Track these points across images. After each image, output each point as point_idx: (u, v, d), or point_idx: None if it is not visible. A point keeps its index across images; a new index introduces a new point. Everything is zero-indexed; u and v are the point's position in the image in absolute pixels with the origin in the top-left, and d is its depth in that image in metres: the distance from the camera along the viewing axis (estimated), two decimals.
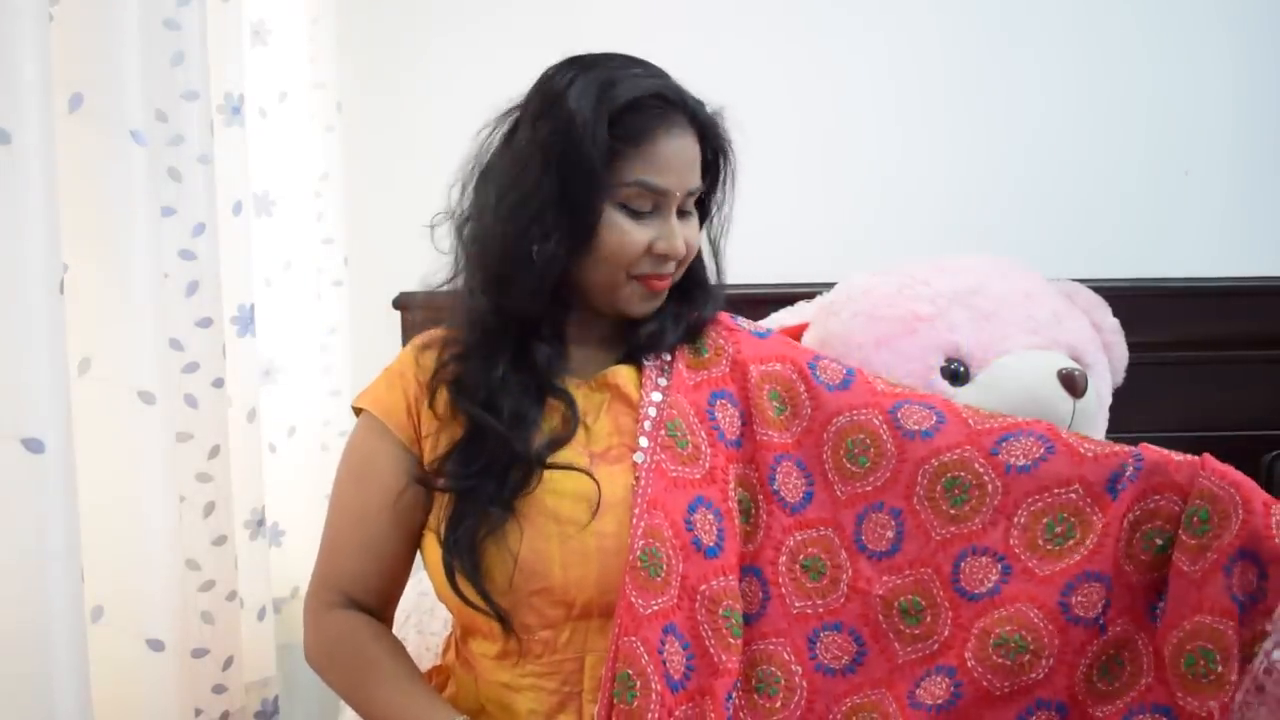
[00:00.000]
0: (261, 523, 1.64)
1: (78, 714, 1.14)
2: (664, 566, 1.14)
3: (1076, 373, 1.52)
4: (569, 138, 1.16)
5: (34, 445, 1.09)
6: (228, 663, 1.50)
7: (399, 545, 1.24)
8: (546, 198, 1.17)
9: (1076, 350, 1.60)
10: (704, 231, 1.29)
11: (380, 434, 1.24)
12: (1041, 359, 1.55)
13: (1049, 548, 1.15)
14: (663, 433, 1.21)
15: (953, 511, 1.19)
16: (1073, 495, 1.16)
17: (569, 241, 1.18)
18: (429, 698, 1.18)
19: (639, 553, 1.14)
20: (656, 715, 1.09)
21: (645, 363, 1.27)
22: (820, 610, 1.20)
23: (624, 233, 1.19)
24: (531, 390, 1.20)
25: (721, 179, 1.28)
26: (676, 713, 1.10)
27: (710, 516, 1.18)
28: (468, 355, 1.21)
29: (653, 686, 1.10)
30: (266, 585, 1.68)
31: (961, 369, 1.56)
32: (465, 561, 1.15)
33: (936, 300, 1.59)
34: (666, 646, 1.12)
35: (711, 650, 1.14)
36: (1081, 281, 1.75)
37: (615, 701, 1.10)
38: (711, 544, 1.17)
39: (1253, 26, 2.19)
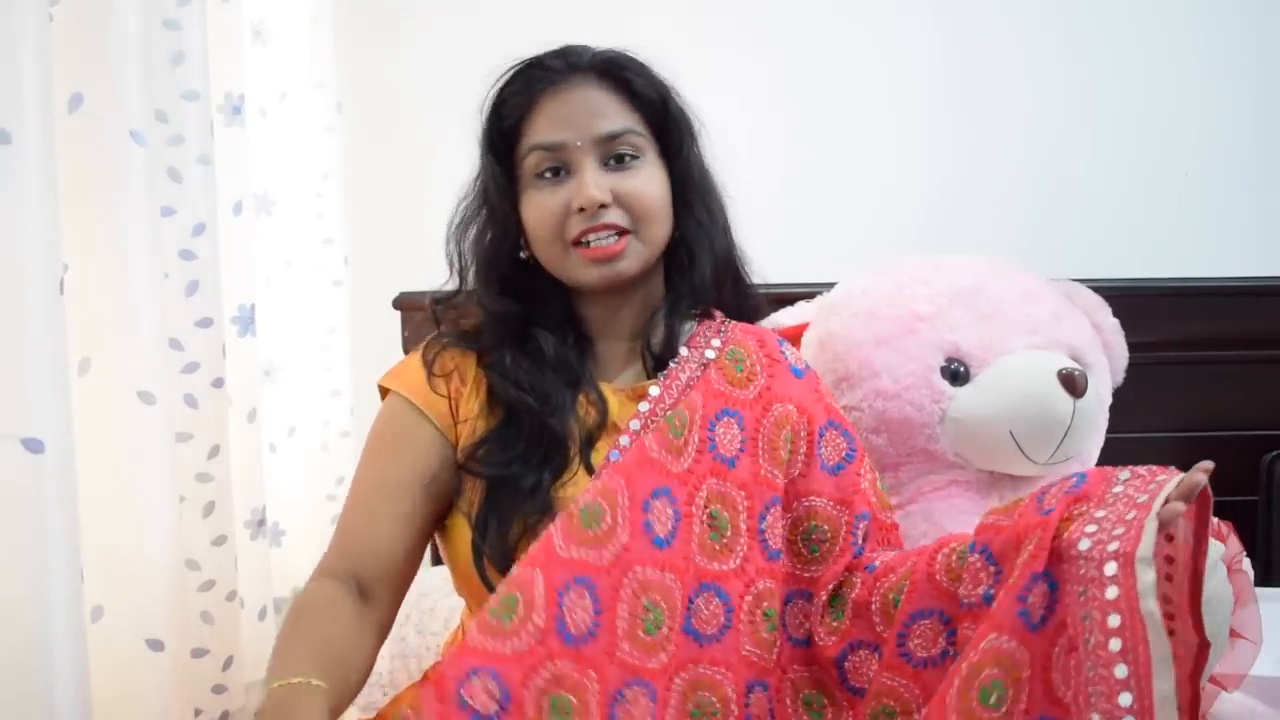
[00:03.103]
0: (261, 523, 1.64)
1: (78, 714, 1.14)
2: (602, 524, 1.12)
3: (1076, 373, 1.52)
4: (481, 141, 1.25)
5: (34, 445, 1.09)
6: (227, 663, 1.50)
7: (419, 520, 1.21)
8: (479, 201, 1.26)
9: (1076, 350, 1.60)
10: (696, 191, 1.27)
11: (415, 414, 1.24)
12: (1041, 359, 1.55)
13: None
14: (660, 419, 1.20)
15: (834, 624, 1.20)
16: (909, 564, 1.18)
17: (502, 233, 1.24)
18: (285, 660, 1.07)
19: (582, 505, 1.11)
20: (526, 646, 1.03)
21: (671, 365, 1.25)
22: (761, 663, 1.17)
23: (538, 204, 1.21)
24: (550, 377, 1.22)
25: (669, 116, 1.25)
26: (559, 662, 1.04)
27: (669, 511, 1.17)
28: (490, 347, 1.25)
29: (534, 620, 1.04)
30: (266, 585, 1.68)
31: (961, 369, 1.56)
32: (496, 550, 1.15)
33: (936, 300, 1.59)
34: (569, 595, 1.07)
35: (619, 630, 1.09)
36: (1081, 281, 1.75)
37: (490, 619, 1.04)
38: (661, 535, 1.15)
39: (1253, 26, 2.19)
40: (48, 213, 1.12)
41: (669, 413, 1.21)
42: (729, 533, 1.20)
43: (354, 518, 1.22)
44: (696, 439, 1.21)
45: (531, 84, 1.22)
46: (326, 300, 1.99)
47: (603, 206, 1.19)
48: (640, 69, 1.25)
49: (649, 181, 1.22)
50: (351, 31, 2.10)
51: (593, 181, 1.19)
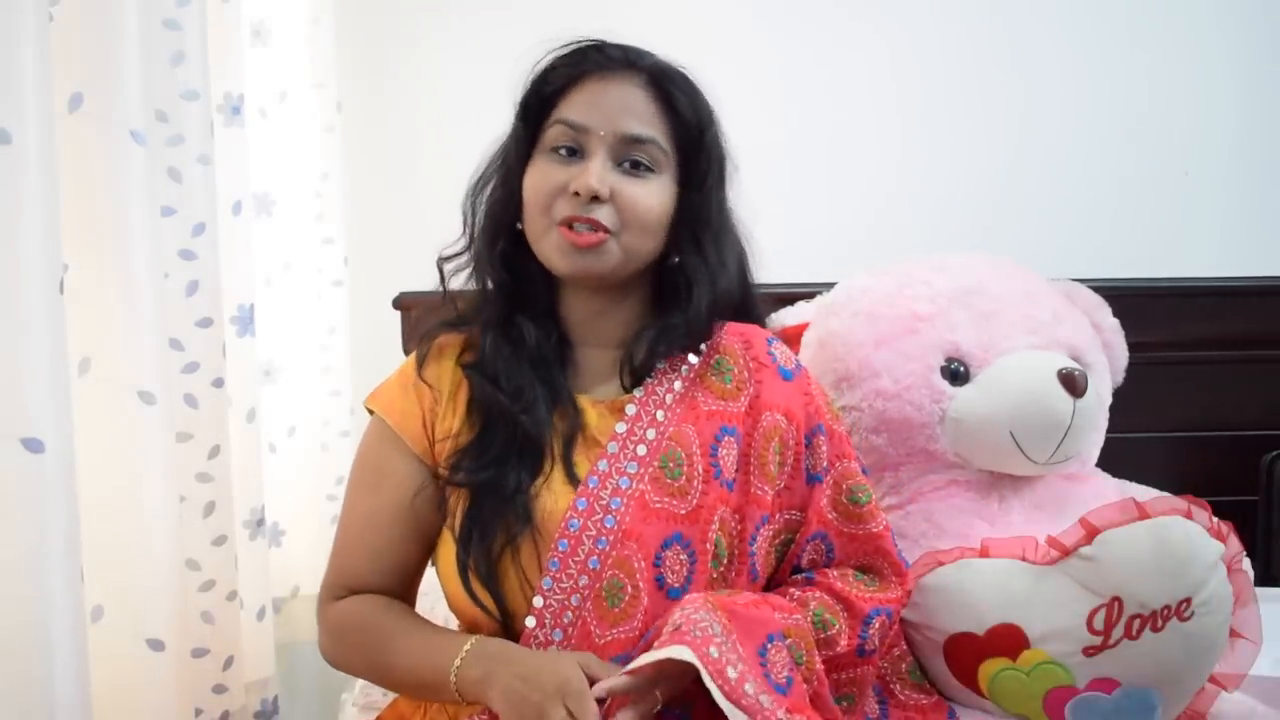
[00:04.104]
0: (261, 522, 1.64)
1: (78, 714, 1.14)
2: (624, 597, 1.14)
3: (1076, 373, 1.52)
4: (517, 101, 1.24)
5: (34, 445, 1.09)
6: (228, 663, 1.50)
7: (411, 550, 1.25)
8: (500, 159, 1.26)
9: (1076, 350, 1.60)
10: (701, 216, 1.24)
11: (393, 443, 1.24)
12: (1041, 359, 1.55)
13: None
14: (655, 464, 1.19)
15: None
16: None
17: (510, 195, 1.23)
18: (441, 639, 1.18)
19: (604, 583, 1.14)
20: None
21: (648, 380, 1.24)
22: None
23: (541, 172, 1.20)
24: (526, 371, 1.22)
25: (702, 146, 1.23)
26: None
27: (683, 556, 1.17)
28: (479, 335, 1.25)
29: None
30: (266, 585, 1.68)
31: (961, 369, 1.56)
32: (480, 563, 1.16)
33: (936, 300, 1.59)
34: None
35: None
36: (1081, 281, 1.75)
37: None
38: (676, 585, 1.16)
39: (1253, 26, 2.19)
40: (48, 213, 1.11)
41: (661, 454, 1.20)
42: (724, 561, 1.21)
43: (345, 553, 1.27)
44: (701, 469, 1.20)
45: (583, 63, 1.22)
46: (326, 300, 1.99)
47: (596, 199, 1.17)
48: (690, 91, 1.24)
49: (651, 195, 1.20)
50: (351, 31, 2.10)
51: (597, 172, 1.17)
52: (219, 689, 1.49)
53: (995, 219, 2.18)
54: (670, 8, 2.15)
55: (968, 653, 1.32)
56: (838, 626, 1.22)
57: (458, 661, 1.13)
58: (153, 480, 1.36)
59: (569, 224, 1.18)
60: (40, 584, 1.11)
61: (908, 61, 2.20)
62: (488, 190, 1.27)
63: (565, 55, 1.23)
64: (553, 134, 1.21)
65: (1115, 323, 1.70)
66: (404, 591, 1.27)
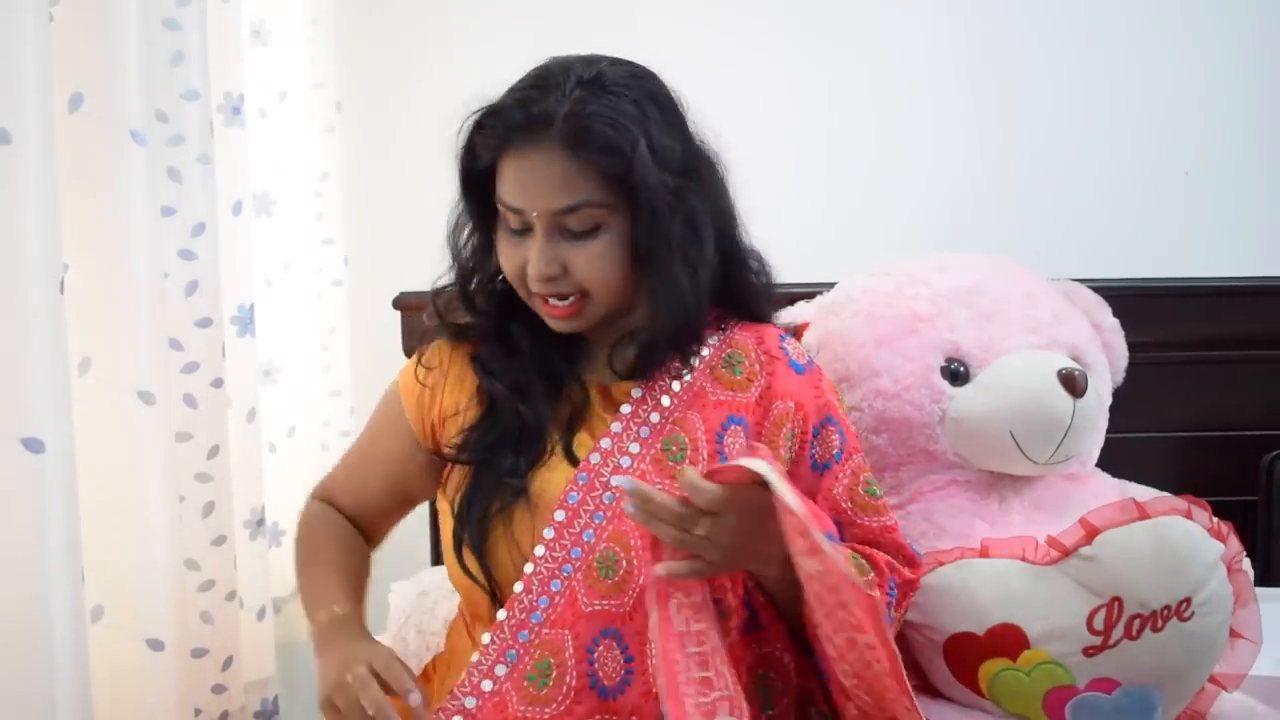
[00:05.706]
0: (261, 522, 1.65)
1: (78, 714, 1.15)
2: (619, 570, 1.15)
3: (1076, 373, 1.52)
4: (459, 173, 1.24)
5: (34, 445, 1.09)
6: (227, 663, 1.51)
7: (386, 501, 1.35)
8: (464, 217, 1.27)
9: (1076, 350, 1.60)
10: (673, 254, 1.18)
11: (398, 411, 1.31)
12: (1041, 359, 1.55)
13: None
14: (657, 446, 1.21)
15: None
16: None
17: (483, 244, 1.26)
18: (322, 587, 1.27)
19: (598, 555, 1.15)
20: (564, 707, 1.11)
21: (654, 374, 1.25)
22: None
23: (505, 251, 1.21)
24: (530, 370, 1.24)
25: (635, 178, 1.13)
26: (596, 718, 1.11)
27: None
28: (478, 341, 1.29)
29: (568, 680, 1.11)
30: (266, 585, 1.68)
31: (961, 369, 1.56)
32: (474, 536, 1.19)
33: (936, 300, 1.59)
34: (599, 649, 1.13)
35: (651, 669, 1.12)
36: (1081, 281, 1.75)
37: (526, 685, 1.12)
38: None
39: (1253, 26, 2.19)
40: (48, 213, 1.12)
41: (665, 438, 1.21)
42: None
43: (349, 473, 1.39)
44: (705, 455, 1.21)
45: (497, 134, 1.16)
46: (326, 300, 1.99)
47: (552, 278, 1.17)
48: (606, 137, 1.12)
49: (598, 256, 1.16)
50: (351, 31, 2.10)
51: (541, 256, 1.15)
52: (219, 689, 1.50)
53: (995, 219, 2.18)
54: (669, 7, 2.15)
55: (968, 653, 1.32)
56: (871, 576, 1.22)
57: (318, 616, 1.23)
58: (152, 480, 1.37)
59: (544, 299, 1.20)
60: (40, 584, 1.11)
61: (907, 60, 2.20)
62: (465, 234, 1.27)
63: (478, 126, 1.18)
64: (501, 209, 1.19)
65: (1115, 323, 1.70)
66: (366, 525, 1.37)
